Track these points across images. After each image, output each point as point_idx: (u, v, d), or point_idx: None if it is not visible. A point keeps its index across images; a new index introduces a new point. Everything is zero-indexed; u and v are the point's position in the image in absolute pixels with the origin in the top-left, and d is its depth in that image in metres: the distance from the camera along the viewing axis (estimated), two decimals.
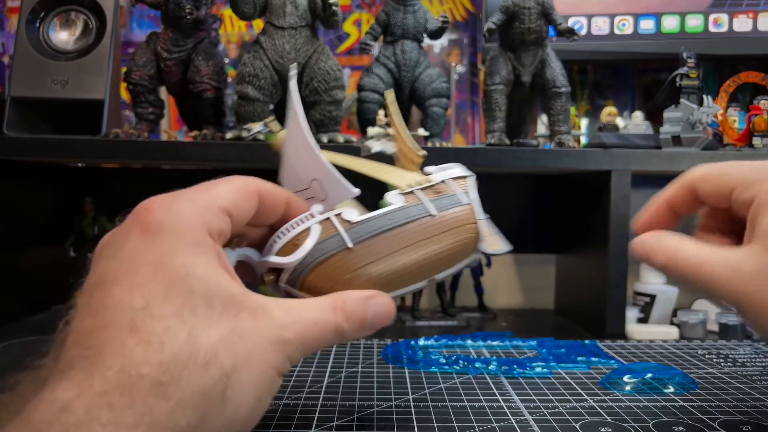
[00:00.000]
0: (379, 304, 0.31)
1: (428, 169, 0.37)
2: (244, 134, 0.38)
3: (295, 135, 0.34)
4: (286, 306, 0.27)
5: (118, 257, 0.25)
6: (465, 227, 0.34)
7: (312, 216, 0.32)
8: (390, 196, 0.33)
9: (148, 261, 0.24)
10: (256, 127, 0.39)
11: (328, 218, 0.32)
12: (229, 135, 0.68)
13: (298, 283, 0.31)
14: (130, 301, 0.23)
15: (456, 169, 0.37)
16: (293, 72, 0.35)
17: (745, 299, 0.30)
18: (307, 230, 0.31)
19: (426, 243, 0.33)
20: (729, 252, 0.32)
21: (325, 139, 0.69)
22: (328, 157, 0.34)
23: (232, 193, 0.29)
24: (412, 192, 0.34)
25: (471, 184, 0.36)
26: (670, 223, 0.38)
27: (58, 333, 0.25)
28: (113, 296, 0.23)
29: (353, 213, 0.32)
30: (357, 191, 0.33)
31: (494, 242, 0.37)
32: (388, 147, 0.41)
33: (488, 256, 0.77)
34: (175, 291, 0.24)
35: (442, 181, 0.35)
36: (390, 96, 0.40)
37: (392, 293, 0.32)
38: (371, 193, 0.35)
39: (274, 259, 0.31)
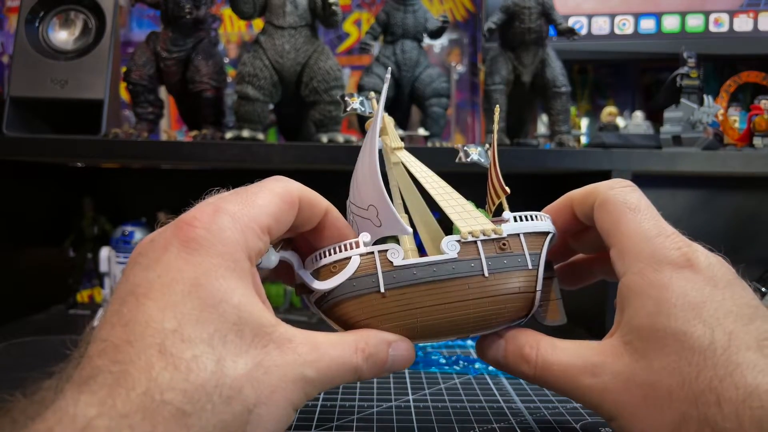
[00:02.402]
0: (400, 349, 0.30)
1: (507, 214, 0.32)
2: (342, 107, 0.35)
3: (367, 154, 0.32)
4: (311, 340, 0.27)
5: (154, 269, 0.24)
6: (519, 296, 0.31)
7: (357, 245, 0.30)
8: (446, 244, 0.30)
9: (185, 279, 0.24)
10: (355, 102, 0.35)
11: (371, 253, 0.30)
12: (228, 135, 0.68)
13: (325, 308, 0.31)
14: (161, 318, 0.23)
15: (536, 223, 0.32)
16: (388, 76, 0.33)
17: (614, 412, 0.27)
18: (347, 260, 0.30)
19: (467, 305, 0.30)
20: (590, 352, 0.28)
21: (324, 138, 0.69)
22: (405, 161, 0.32)
23: (273, 207, 0.28)
24: (474, 242, 0.30)
25: (547, 242, 0.32)
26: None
27: (84, 336, 0.24)
28: (145, 311, 0.23)
29: (399, 253, 0.30)
30: (410, 231, 0.31)
31: (554, 311, 0.33)
32: (486, 160, 0.36)
33: None
34: (208, 315, 0.24)
35: (516, 235, 0.31)
36: (496, 113, 0.37)
37: (416, 341, 0.31)
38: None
39: (307, 278, 0.31)
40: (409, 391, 0.45)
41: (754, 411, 0.23)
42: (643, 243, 0.28)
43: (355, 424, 0.38)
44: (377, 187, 0.30)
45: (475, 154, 0.36)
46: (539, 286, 0.31)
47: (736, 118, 0.77)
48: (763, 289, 0.73)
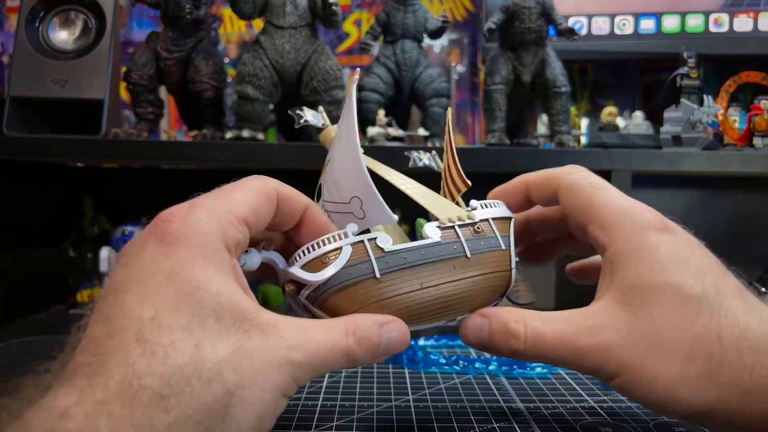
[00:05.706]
0: (394, 330, 0.30)
1: (473, 203, 0.35)
2: (296, 120, 0.37)
3: (346, 146, 0.32)
4: (298, 326, 0.27)
5: (133, 266, 0.25)
6: (497, 274, 0.33)
7: (345, 236, 0.31)
8: (428, 229, 0.32)
9: (161, 271, 0.24)
10: (308, 114, 0.37)
11: (361, 241, 0.30)
12: (228, 135, 0.68)
13: (319, 301, 0.31)
14: (139, 310, 0.23)
15: (500, 209, 0.35)
16: (356, 76, 0.33)
17: (618, 366, 0.29)
18: (338, 250, 0.30)
19: (454, 285, 0.31)
20: (580, 317, 0.31)
21: None
22: (368, 164, 0.32)
23: (250, 199, 0.28)
24: (452, 227, 0.32)
25: (512, 226, 0.35)
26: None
27: (70, 338, 0.25)
28: (123, 304, 0.23)
29: (387, 240, 0.31)
30: (396, 218, 0.31)
31: (523, 291, 0.37)
32: (436, 163, 0.39)
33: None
34: (186, 303, 0.24)
35: (485, 220, 0.33)
36: (449, 114, 0.38)
37: (411, 326, 0.31)
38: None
39: (300, 273, 0.30)
40: (409, 391, 0.45)
41: (750, 340, 0.27)
42: (623, 215, 0.32)
43: (355, 424, 0.38)
44: (362, 178, 0.31)
45: (426, 159, 0.39)
46: (514, 265, 0.34)
47: (736, 118, 0.76)
48: (763, 290, 0.73)
